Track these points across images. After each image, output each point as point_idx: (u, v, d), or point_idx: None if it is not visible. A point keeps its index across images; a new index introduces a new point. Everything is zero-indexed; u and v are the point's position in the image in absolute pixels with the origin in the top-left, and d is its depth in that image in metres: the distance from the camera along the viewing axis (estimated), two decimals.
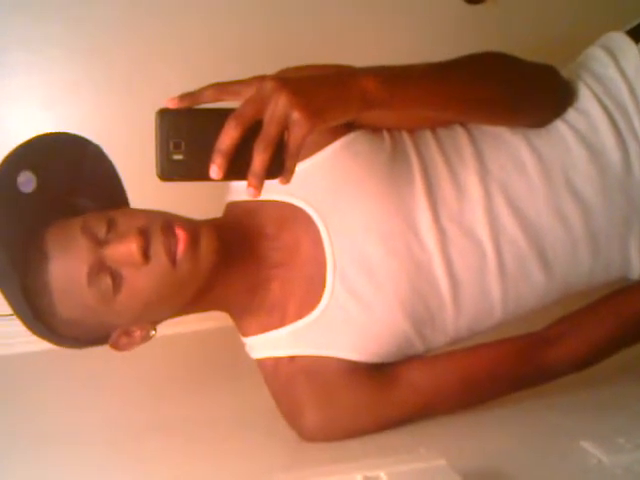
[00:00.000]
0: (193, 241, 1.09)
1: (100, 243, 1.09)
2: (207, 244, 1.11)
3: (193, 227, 1.11)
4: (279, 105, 0.89)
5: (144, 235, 1.08)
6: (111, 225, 1.10)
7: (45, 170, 1.13)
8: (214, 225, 1.15)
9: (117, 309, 1.11)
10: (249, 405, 1.35)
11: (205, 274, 1.12)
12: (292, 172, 0.93)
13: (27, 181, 1.10)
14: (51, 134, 1.16)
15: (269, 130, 0.89)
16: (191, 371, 1.54)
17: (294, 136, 0.90)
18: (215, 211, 1.26)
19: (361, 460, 1.05)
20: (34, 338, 1.13)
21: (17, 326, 1.11)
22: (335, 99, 0.93)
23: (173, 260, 1.09)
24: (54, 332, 1.13)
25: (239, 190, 1.21)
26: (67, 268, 1.08)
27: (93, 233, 1.09)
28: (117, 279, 1.09)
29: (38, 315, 1.10)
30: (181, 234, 1.09)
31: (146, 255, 1.08)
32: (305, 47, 1.46)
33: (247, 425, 1.30)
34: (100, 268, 1.08)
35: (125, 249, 1.07)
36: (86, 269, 1.08)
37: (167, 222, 1.10)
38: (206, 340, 1.58)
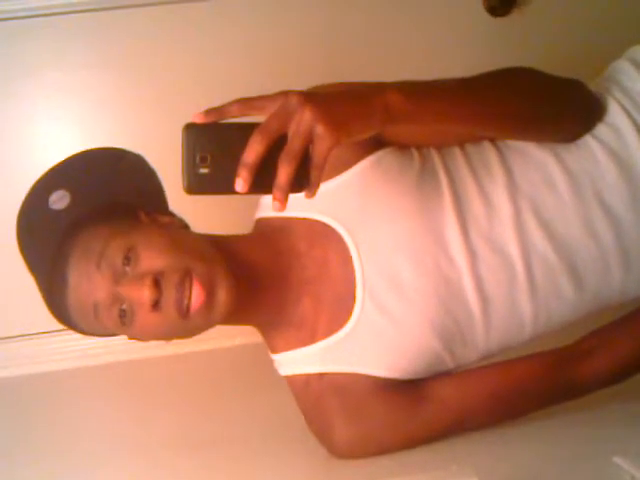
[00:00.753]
0: (208, 297, 1.09)
1: (116, 276, 1.09)
2: (223, 297, 1.10)
3: (210, 278, 1.09)
4: (303, 119, 0.90)
5: (158, 285, 1.08)
6: (131, 254, 1.10)
7: (79, 184, 1.15)
8: (238, 254, 1.17)
9: (130, 335, 1.14)
10: (279, 422, 1.35)
11: (219, 322, 1.13)
12: (317, 186, 0.93)
13: (60, 198, 1.13)
14: (86, 151, 1.19)
15: (294, 144, 0.90)
16: (220, 388, 1.54)
17: (319, 149, 0.90)
18: (243, 224, 1.26)
19: (392, 477, 1.05)
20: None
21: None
22: (359, 112, 0.94)
23: (184, 315, 1.09)
24: (79, 331, 1.18)
25: (268, 206, 1.22)
26: (82, 298, 1.11)
27: (111, 265, 1.09)
28: (129, 314, 1.10)
29: (62, 321, 1.16)
30: (197, 289, 1.08)
31: (156, 306, 1.08)
32: (331, 64, 1.46)
33: (277, 442, 1.30)
34: (114, 301, 1.10)
35: (137, 294, 1.08)
36: (95, 301, 1.10)
37: (185, 272, 1.09)
38: (236, 356, 1.58)
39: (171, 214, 1.23)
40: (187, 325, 1.11)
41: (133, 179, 1.23)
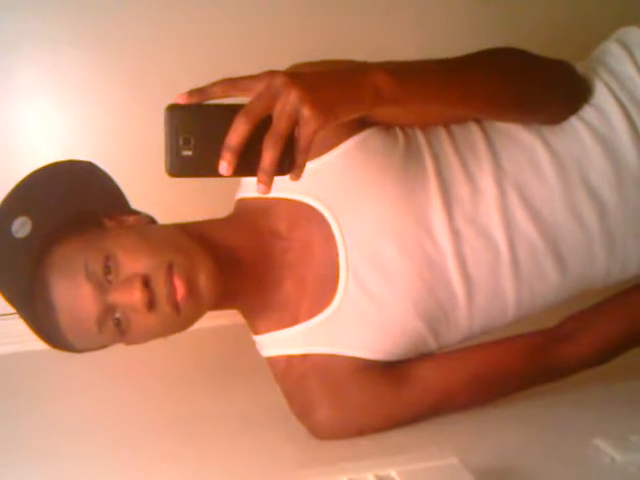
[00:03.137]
0: (190, 288, 1.08)
1: (103, 287, 1.08)
2: (205, 283, 1.09)
3: (190, 269, 1.09)
4: (289, 101, 0.89)
5: (147, 285, 1.07)
6: (111, 262, 1.08)
7: (37, 206, 1.12)
8: (217, 239, 1.16)
9: (128, 341, 1.13)
10: (260, 403, 1.34)
11: (209, 307, 1.13)
12: (302, 168, 0.92)
13: (22, 225, 1.09)
14: (35, 171, 1.16)
15: (279, 126, 0.89)
16: (201, 368, 1.54)
17: (304, 132, 0.89)
18: (225, 205, 1.25)
19: (372, 458, 1.05)
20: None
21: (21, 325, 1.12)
22: (346, 95, 0.93)
23: (177, 309, 1.08)
24: (74, 350, 1.15)
25: (250, 186, 1.21)
26: (75, 318, 1.08)
27: (94, 276, 1.08)
28: (125, 321, 1.09)
29: (56, 345, 1.13)
30: (178, 283, 1.08)
31: (151, 304, 1.07)
32: (314, 43, 1.44)
33: (258, 423, 1.30)
34: (107, 313, 1.08)
35: (129, 299, 1.07)
36: (94, 318, 1.08)
37: (167, 266, 1.08)
38: (217, 337, 1.57)
39: (135, 212, 1.21)
40: (181, 319, 1.10)
41: (89, 187, 1.20)
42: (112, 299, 1.07)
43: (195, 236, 1.15)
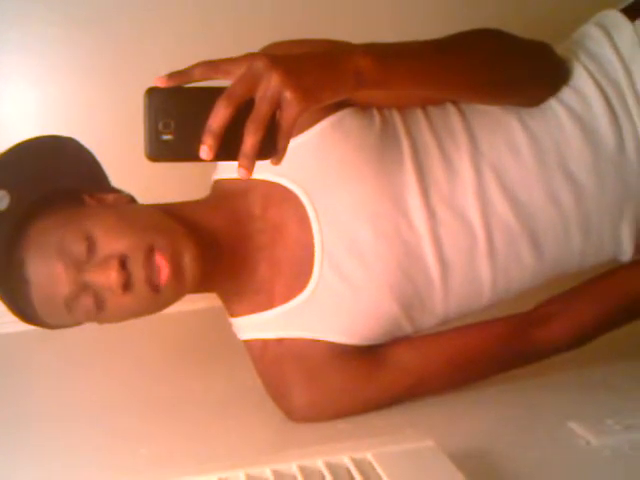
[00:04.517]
0: (175, 268, 1.07)
1: (79, 265, 1.07)
2: (189, 265, 1.09)
3: (174, 249, 1.08)
4: (271, 84, 0.87)
5: (124, 266, 1.06)
6: (91, 243, 1.07)
7: (16, 180, 1.10)
8: (197, 217, 1.16)
9: (102, 320, 1.12)
10: (237, 385, 1.34)
11: (190, 289, 1.12)
12: (284, 153, 0.91)
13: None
14: (17, 144, 1.13)
15: (260, 110, 0.87)
16: (178, 351, 1.54)
17: (286, 116, 0.88)
18: (201, 185, 1.24)
19: (348, 441, 1.05)
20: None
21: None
22: (328, 78, 0.91)
23: (155, 289, 1.07)
24: (46, 326, 1.15)
25: (226, 168, 1.19)
26: (48, 294, 1.08)
27: (71, 254, 1.07)
28: (99, 301, 1.08)
29: (28, 320, 1.13)
30: (162, 263, 1.07)
31: (127, 286, 1.06)
32: (297, 23, 1.42)
33: (234, 405, 1.30)
34: (80, 291, 1.07)
35: (105, 279, 1.06)
36: (65, 296, 1.07)
37: (148, 248, 1.07)
38: (194, 320, 1.58)
39: (116, 190, 1.20)
40: (159, 300, 1.09)
41: (70, 164, 1.18)
42: (88, 278, 1.06)
43: (177, 217, 1.14)
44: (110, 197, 1.17)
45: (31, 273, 1.07)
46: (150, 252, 1.07)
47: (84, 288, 1.07)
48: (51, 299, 1.08)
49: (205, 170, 1.16)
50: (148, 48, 1.72)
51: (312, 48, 0.99)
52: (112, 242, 1.07)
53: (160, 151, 0.88)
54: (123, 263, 1.06)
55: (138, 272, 1.06)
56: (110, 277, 1.05)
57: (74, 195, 1.15)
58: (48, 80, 1.74)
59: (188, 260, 1.09)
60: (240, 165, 0.88)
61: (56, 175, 1.16)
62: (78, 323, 1.15)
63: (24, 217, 1.09)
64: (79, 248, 1.07)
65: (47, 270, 1.07)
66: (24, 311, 1.11)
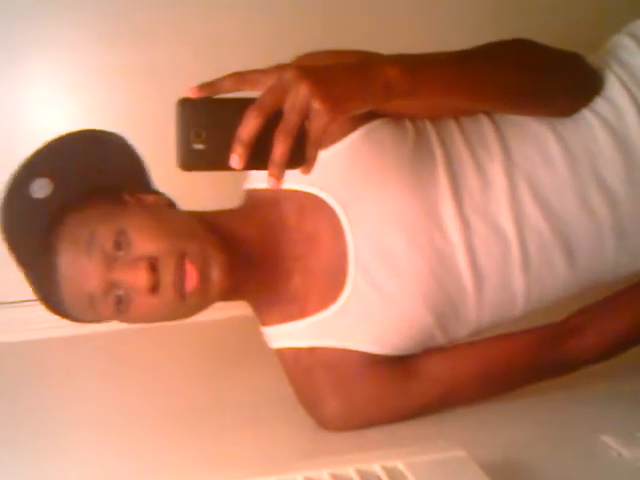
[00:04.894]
0: (203, 278, 1.08)
1: (109, 263, 1.08)
2: (217, 275, 1.09)
3: (203, 258, 1.09)
4: (300, 95, 0.88)
5: (154, 268, 1.06)
6: (122, 238, 1.08)
7: (60, 170, 1.13)
8: (230, 230, 1.16)
9: (125, 320, 1.13)
10: (268, 393, 1.34)
11: (215, 300, 1.13)
12: (314, 162, 0.92)
13: (41, 187, 1.10)
14: (65, 134, 1.16)
15: (289, 120, 0.88)
16: (210, 359, 1.54)
17: (315, 126, 0.89)
18: (232, 195, 1.25)
19: (379, 450, 1.05)
20: (53, 324, 1.15)
21: (35, 312, 1.12)
22: (357, 89, 0.92)
23: (181, 295, 1.08)
24: (70, 318, 1.17)
25: (258, 177, 1.20)
26: (74, 286, 1.09)
27: (102, 250, 1.08)
28: (125, 300, 1.09)
29: (52, 308, 1.15)
30: (191, 271, 1.07)
31: (154, 288, 1.07)
32: (318, 35, 1.43)
33: (266, 413, 1.30)
34: (108, 288, 1.08)
35: (133, 278, 1.06)
36: (91, 289, 1.08)
37: (180, 254, 1.08)
38: (226, 328, 1.58)
39: (156, 192, 1.21)
40: (183, 306, 1.10)
41: (115, 160, 1.20)
42: (117, 276, 1.07)
43: (211, 226, 1.15)
44: (150, 198, 1.18)
45: (62, 264, 1.09)
46: (181, 258, 1.08)
47: (112, 286, 1.08)
48: (77, 292, 1.09)
49: (237, 179, 1.18)
50: (184, 55, 1.74)
51: (342, 59, 1.00)
52: (145, 243, 1.08)
53: (191, 160, 0.89)
54: (153, 265, 1.07)
55: (167, 276, 1.07)
56: (139, 277, 1.06)
57: (115, 191, 1.16)
58: (85, 84, 1.75)
59: (217, 271, 1.09)
60: (270, 174, 0.89)
61: (100, 170, 1.17)
62: (101, 320, 1.16)
63: (63, 207, 1.11)
64: (110, 245, 1.08)
65: (77, 263, 1.08)
66: (50, 298, 1.13)
